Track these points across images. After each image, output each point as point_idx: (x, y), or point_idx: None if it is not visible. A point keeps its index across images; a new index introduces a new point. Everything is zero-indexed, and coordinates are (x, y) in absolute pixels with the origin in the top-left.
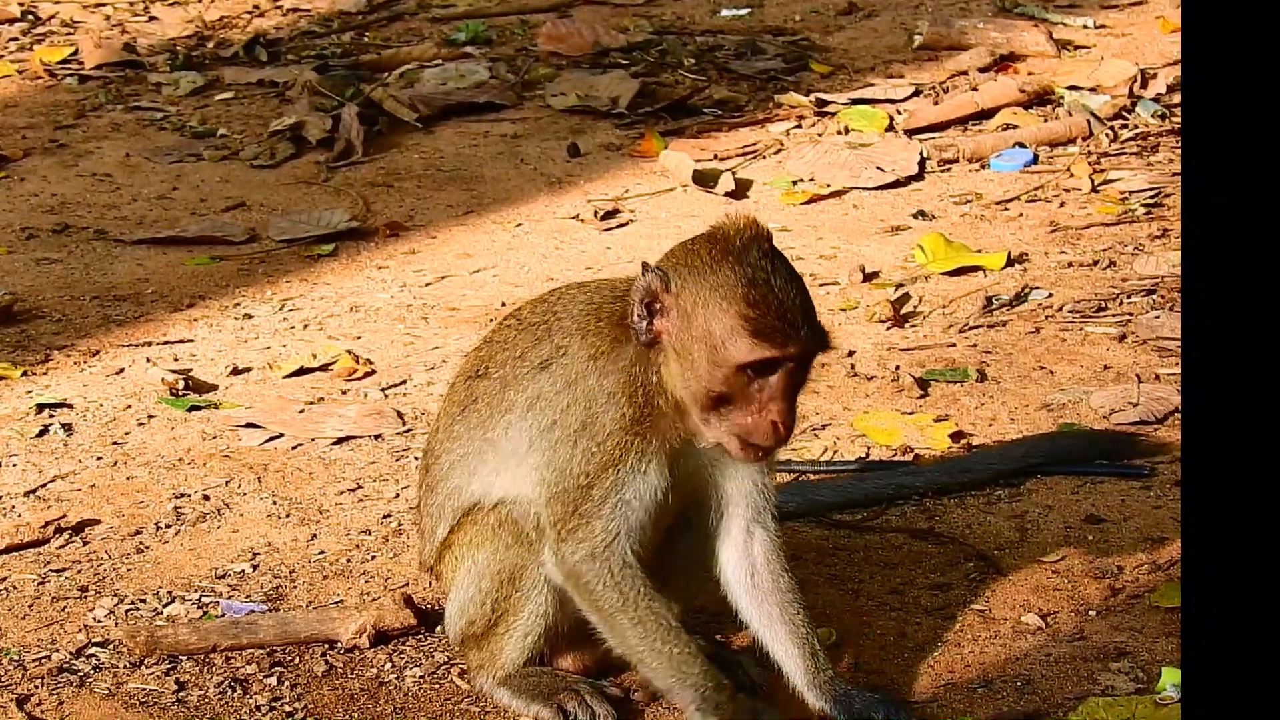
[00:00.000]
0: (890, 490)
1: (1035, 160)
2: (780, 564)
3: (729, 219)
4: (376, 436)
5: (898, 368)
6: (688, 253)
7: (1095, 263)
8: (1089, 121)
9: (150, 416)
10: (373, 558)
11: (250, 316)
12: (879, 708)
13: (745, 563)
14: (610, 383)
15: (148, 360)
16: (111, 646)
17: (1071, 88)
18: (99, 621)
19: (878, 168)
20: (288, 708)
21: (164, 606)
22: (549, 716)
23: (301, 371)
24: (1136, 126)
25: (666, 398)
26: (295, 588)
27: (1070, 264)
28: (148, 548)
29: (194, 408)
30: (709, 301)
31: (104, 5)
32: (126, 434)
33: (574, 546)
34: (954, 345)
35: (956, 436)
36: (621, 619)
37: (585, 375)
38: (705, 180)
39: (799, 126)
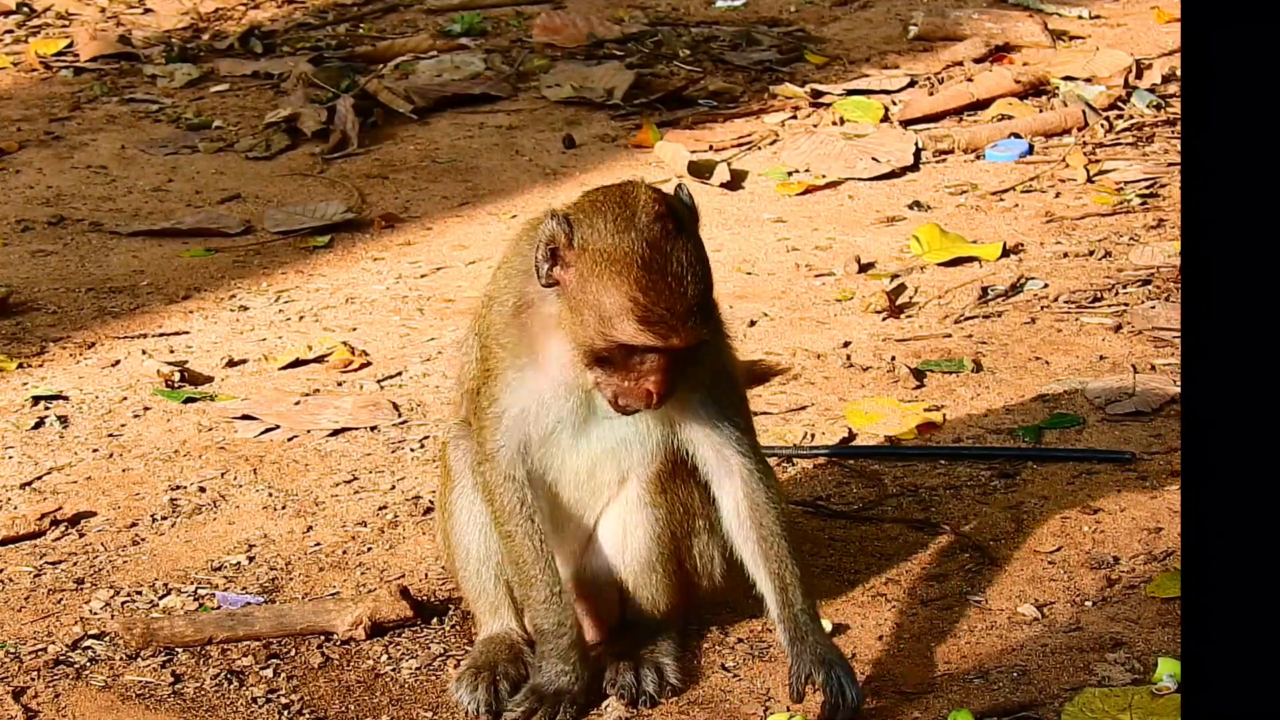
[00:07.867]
0: None
1: (1030, 151)
2: (761, 499)
3: (641, 184)
4: (372, 428)
5: (893, 358)
6: (595, 209)
7: (1091, 253)
8: (1084, 112)
9: (146, 408)
10: (369, 549)
11: (246, 308)
12: (825, 669)
13: (731, 503)
14: (506, 298)
15: (143, 352)
16: (108, 639)
17: (1067, 78)
18: (95, 614)
19: (873, 158)
20: (284, 700)
21: (160, 599)
22: (453, 693)
23: (297, 363)
24: (1132, 117)
25: (556, 332)
26: (291, 580)
27: (1066, 254)
28: (144, 540)
29: (190, 400)
30: (604, 273)
31: None
32: (122, 426)
33: (478, 448)
34: (950, 336)
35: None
36: (498, 530)
37: (491, 289)
38: (700, 171)
39: (794, 117)
